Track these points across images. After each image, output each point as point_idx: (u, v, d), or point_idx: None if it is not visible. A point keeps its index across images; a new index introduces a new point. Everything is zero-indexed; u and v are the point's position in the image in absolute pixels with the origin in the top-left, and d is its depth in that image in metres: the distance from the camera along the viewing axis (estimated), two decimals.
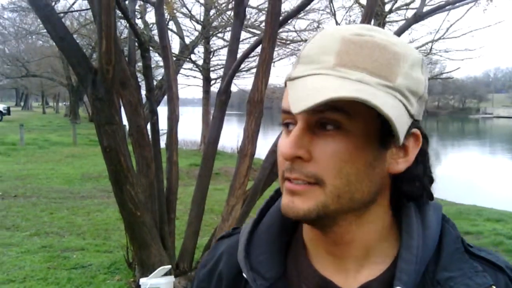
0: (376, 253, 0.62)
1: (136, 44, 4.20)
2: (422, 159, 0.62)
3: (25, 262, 4.75)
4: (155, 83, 10.58)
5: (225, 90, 6.06)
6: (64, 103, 57.22)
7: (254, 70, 15.88)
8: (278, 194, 0.70)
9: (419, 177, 0.62)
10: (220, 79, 16.98)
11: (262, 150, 5.36)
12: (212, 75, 17.69)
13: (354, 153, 0.55)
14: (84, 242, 5.51)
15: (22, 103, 60.86)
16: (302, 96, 0.52)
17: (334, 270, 0.63)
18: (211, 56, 16.96)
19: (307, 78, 0.55)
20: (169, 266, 3.79)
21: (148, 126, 4.46)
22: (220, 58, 18.32)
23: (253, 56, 11.42)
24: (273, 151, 5.04)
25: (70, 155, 14.21)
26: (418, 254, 0.59)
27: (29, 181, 9.44)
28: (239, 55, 6.58)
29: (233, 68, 6.06)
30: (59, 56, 26.66)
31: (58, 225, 6.26)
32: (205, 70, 16.80)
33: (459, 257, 0.61)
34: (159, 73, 16.55)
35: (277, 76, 36.33)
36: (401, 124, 0.54)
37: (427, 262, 0.60)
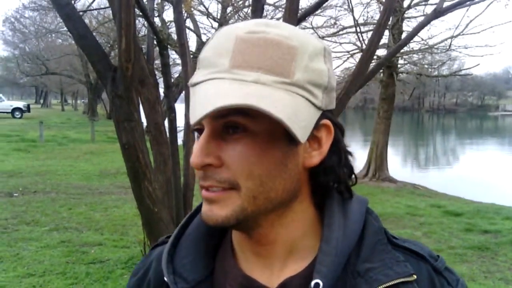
0: (300, 249, 0.62)
1: (155, 42, 4.23)
2: (336, 149, 0.62)
3: (45, 256, 4.84)
4: (172, 80, 10.65)
5: None
6: (83, 100, 58.00)
7: None
8: None
9: (333, 168, 0.61)
10: None
11: None
12: None
13: (262, 154, 0.55)
14: (102, 238, 5.59)
15: (41, 101, 61.91)
16: (196, 107, 0.52)
17: (259, 269, 0.62)
18: None
19: (204, 83, 0.55)
20: None
21: (166, 123, 4.49)
22: None
23: None
24: None
25: (88, 152, 14.41)
26: (338, 246, 0.58)
27: (48, 177, 9.60)
28: None
29: None
30: (78, 54, 27.07)
31: (77, 220, 6.36)
32: None
33: (381, 248, 0.61)
34: (176, 71, 16.65)
35: None
36: (303, 118, 0.54)
37: (349, 254, 0.59)
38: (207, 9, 15.35)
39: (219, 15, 15.42)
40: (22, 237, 5.44)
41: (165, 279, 0.63)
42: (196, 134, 0.59)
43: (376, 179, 11.71)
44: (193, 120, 0.51)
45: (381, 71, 11.82)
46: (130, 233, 5.88)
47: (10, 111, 31.18)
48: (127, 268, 4.55)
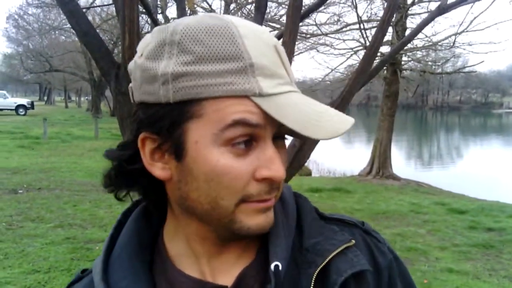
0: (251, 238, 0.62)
1: None
2: None
3: (50, 253, 4.86)
4: None
5: None
6: (86, 97, 58.12)
7: None
8: (126, 217, 0.67)
9: None
10: None
11: None
12: None
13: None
14: (106, 234, 5.54)
15: (45, 98, 62.11)
16: (318, 120, 0.54)
17: (211, 270, 0.61)
18: None
19: (288, 95, 0.55)
20: None
21: None
22: None
23: None
24: (293, 145, 5.03)
25: (92, 149, 14.44)
26: (284, 228, 0.62)
27: (52, 174, 9.63)
28: None
29: None
30: (81, 51, 27.11)
31: (81, 217, 6.38)
32: None
33: (317, 224, 0.65)
34: None
35: (296, 70, 36.19)
36: None
37: (293, 235, 0.63)
38: (210, 5, 15.32)
39: (222, 11, 15.39)
40: (27, 233, 5.46)
41: None
42: (237, 147, 0.53)
43: (379, 176, 11.70)
44: (328, 135, 0.53)
45: (384, 68, 11.79)
46: None
47: (14, 108, 31.31)
48: None
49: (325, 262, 0.59)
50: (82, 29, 2.92)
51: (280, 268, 0.57)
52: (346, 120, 0.55)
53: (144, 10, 4.37)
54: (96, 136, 17.95)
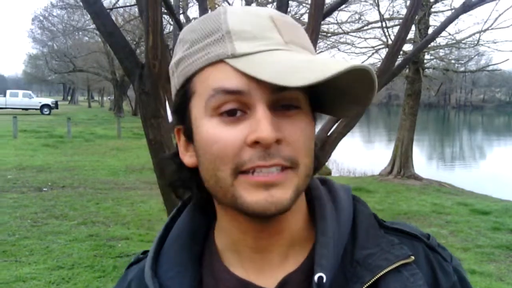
0: (299, 241, 0.60)
1: None
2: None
3: (73, 249, 4.96)
4: None
5: None
6: (109, 97, 59.00)
7: None
8: (184, 205, 0.66)
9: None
10: None
11: None
12: None
13: (312, 130, 0.55)
14: (129, 232, 5.69)
15: (69, 97, 63.31)
16: (300, 67, 0.48)
17: (254, 270, 0.59)
18: None
19: (270, 53, 0.51)
20: None
21: None
22: None
23: None
24: (314, 145, 5.02)
25: (114, 147, 14.67)
26: (335, 237, 0.57)
27: (76, 172, 9.82)
28: None
29: None
30: (104, 51, 27.55)
31: (104, 215, 6.49)
32: None
33: (375, 233, 0.60)
34: None
35: None
36: None
37: (345, 244, 0.58)
38: (230, 5, 15.38)
39: None
40: (52, 230, 5.59)
41: None
42: (222, 117, 0.52)
43: (401, 176, 11.55)
44: (316, 78, 0.45)
45: (407, 66, 11.63)
46: (155, 228, 5.97)
47: (39, 107, 32.02)
48: None
49: (373, 280, 0.55)
50: (107, 30, 2.97)
51: (324, 280, 0.54)
52: (340, 62, 0.47)
53: (166, 11, 4.42)
54: (119, 135, 18.21)
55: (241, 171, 0.51)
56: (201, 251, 0.63)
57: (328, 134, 5.04)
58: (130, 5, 11.59)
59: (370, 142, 25.72)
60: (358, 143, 23.12)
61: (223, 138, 0.51)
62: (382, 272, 0.55)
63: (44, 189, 7.99)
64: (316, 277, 0.54)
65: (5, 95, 31.80)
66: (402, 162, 11.80)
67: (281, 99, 0.52)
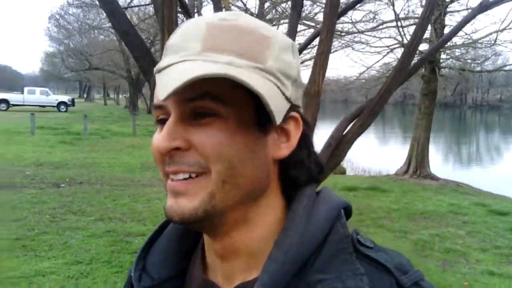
0: (262, 252, 0.57)
1: None
2: (305, 143, 0.61)
3: (91, 245, 5.04)
4: None
5: None
6: (124, 95, 59.50)
7: (307, 63, 15.72)
8: None
9: (303, 161, 0.60)
10: None
11: (316, 145, 5.27)
12: None
13: (233, 137, 0.53)
14: (145, 228, 5.76)
15: (85, 95, 64.05)
16: (168, 82, 0.49)
17: (223, 274, 0.60)
18: None
19: (174, 66, 0.52)
20: None
21: None
22: None
23: (307, 49, 11.32)
24: (329, 144, 5.01)
25: (130, 145, 14.81)
26: (289, 252, 0.54)
27: (93, 169, 9.95)
28: None
29: None
30: (120, 50, 27.82)
31: (121, 211, 6.57)
32: None
33: (343, 258, 0.54)
34: None
35: (331, 68, 35.84)
36: (275, 103, 0.53)
37: (303, 262, 0.54)
38: (245, 4, 15.39)
39: (257, 10, 15.41)
40: (70, 226, 5.68)
41: (131, 274, 0.64)
42: (158, 126, 0.56)
43: (417, 176, 11.46)
44: (163, 94, 0.47)
45: (423, 66, 11.52)
46: None
47: (55, 105, 32.42)
48: None
49: None
50: (122, 28, 3.02)
51: None
52: (181, 77, 0.48)
53: (181, 10, 4.46)
54: (134, 133, 18.38)
55: (166, 174, 0.56)
56: (193, 245, 0.66)
57: (344, 133, 5.04)
58: (145, 4, 11.67)
59: (385, 142, 25.52)
60: (373, 142, 22.97)
61: (154, 144, 0.54)
62: None
63: (62, 185, 8.12)
64: None
65: (22, 92, 32.27)
66: (418, 161, 11.70)
67: (197, 108, 0.53)
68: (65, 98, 35.24)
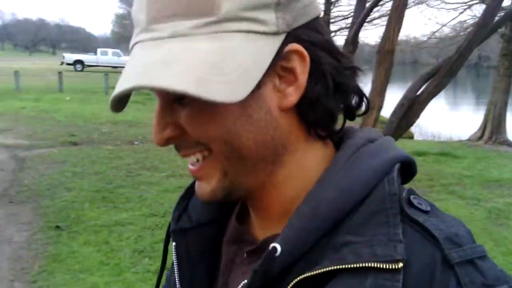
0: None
1: None
2: (319, 75, 0.49)
3: (164, 199, 5.31)
4: None
5: (353, 40, 5.90)
6: None
7: (376, 22, 15.00)
8: None
9: (319, 99, 0.49)
10: (341, 31, 16.54)
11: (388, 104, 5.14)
12: (332, 27, 17.23)
13: (215, 111, 0.47)
14: None
15: None
16: (117, 85, 0.45)
17: (258, 224, 0.57)
18: (331, 7, 16.48)
19: (132, 53, 0.48)
20: None
21: None
22: (340, 9, 17.71)
23: (381, 5, 10.82)
24: (401, 104, 4.84)
25: None
26: (321, 208, 0.47)
27: None
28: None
29: (362, 16, 5.83)
30: None
31: None
32: (325, 22, 16.48)
33: (382, 220, 0.45)
34: None
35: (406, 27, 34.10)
36: (235, 67, 0.44)
37: (335, 219, 0.47)
38: None
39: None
40: (144, 181, 6.00)
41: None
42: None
43: (492, 142, 10.83)
44: (110, 103, 0.46)
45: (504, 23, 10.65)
46: None
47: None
48: None
49: (313, 273, 0.45)
50: None
51: (278, 252, 0.47)
52: (120, 86, 0.44)
53: None
54: None
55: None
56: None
57: (418, 93, 4.83)
58: None
59: (456, 106, 24.22)
60: (443, 108, 21.87)
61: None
62: (328, 268, 0.44)
63: (135, 142, 8.55)
64: (270, 246, 0.47)
65: (96, 54, 33.79)
66: (494, 126, 11.03)
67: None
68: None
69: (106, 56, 33.22)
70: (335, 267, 0.44)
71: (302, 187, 0.51)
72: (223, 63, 0.43)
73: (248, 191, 0.52)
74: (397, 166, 0.50)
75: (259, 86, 0.46)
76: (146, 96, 16.80)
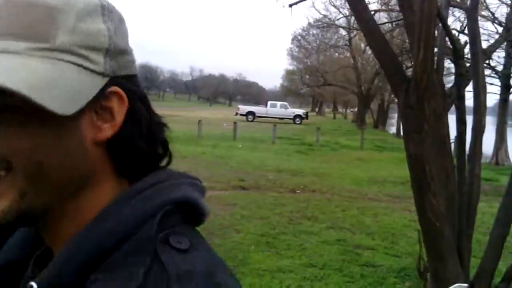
0: None
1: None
2: (135, 119, 0.53)
3: (324, 251, 5.32)
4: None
5: None
6: (351, 109, 60.99)
7: None
8: None
9: (131, 139, 0.53)
10: None
11: None
12: None
13: (25, 129, 0.47)
14: (373, 242, 5.76)
15: (316, 109, 68.24)
16: None
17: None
18: None
19: None
20: (466, 285, 3.58)
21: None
22: None
23: None
24: None
25: (357, 158, 15.08)
26: (80, 245, 0.48)
27: (324, 178, 10.50)
28: None
29: None
30: (353, 66, 28.67)
31: (350, 222, 6.74)
32: (505, 76, 15.10)
33: (135, 260, 0.47)
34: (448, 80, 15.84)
35: None
36: (63, 89, 0.46)
37: (93, 259, 0.47)
38: (493, 14, 13.96)
39: (505, 19, 13.76)
40: (305, 230, 6.13)
41: None
42: None
43: None
44: None
45: None
46: (400, 242, 5.88)
47: (292, 117, 35.57)
48: (399, 278, 4.57)
49: None
50: (378, 46, 3.12)
51: None
52: None
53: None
54: (362, 147, 18.61)
55: None
56: None
57: None
58: (397, 20, 11.67)
59: None
60: None
61: None
62: None
63: (297, 191, 8.83)
64: (28, 285, 0.49)
65: (266, 106, 36.50)
66: None
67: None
68: (300, 111, 38.28)
69: (274, 108, 35.64)
70: None
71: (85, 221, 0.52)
72: (54, 81, 0.46)
73: (43, 218, 0.52)
74: (167, 208, 0.51)
75: (79, 114, 0.49)
76: (309, 147, 17.37)
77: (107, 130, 0.52)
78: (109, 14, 0.53)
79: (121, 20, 0.55)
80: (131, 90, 0.54)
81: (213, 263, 0.51)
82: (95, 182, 0.53)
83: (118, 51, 0.53)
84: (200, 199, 0.56)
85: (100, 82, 0.51)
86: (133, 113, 0.53)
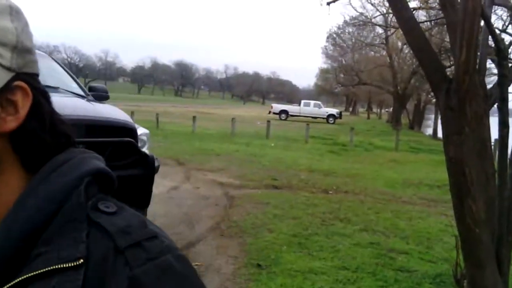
0: None
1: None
2: (38, 113, 0.56)
3: (356, 253, 5.23)
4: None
5: None
6: (386, 109, 59.89)
7: None
8: None
9: (35, 132, 0.56)
10: None
11: None
12: None
13: None
14: (408, 247, 5.63)
15: (350, 109, 67.41)
16: None
17: None
18: None
19: None
20: None
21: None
22: None
23: None
24: None
25: (391, 159, 14.78)
26: (12, 229, 0.51)
27: (357, 179, 10.35)
28: None
29: None
30: (389, 65, 28.13)
31: (383, 225, 6.61)
32: None
33: (71, 227, 0.51)
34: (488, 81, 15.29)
35: None
36: None
37: (27, 238, 0.50)
38: None
39: None
40: (337, 231, 6.04)
41: None
42: None
43: None
44: None
45: None
46: (435, 247, 5.72)
47: (325, 117, 35.29)
48: (435, 284, 4.44)
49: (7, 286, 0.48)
50: (418, 44, 3.04)
51: None
52: None
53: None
54: (396, 148, 18.23)
55: None
56: None
57: None
58: (437, 19, 11.36)
59: None
60: None
61: None
62: (18, 279, 0.47)
63: (330, 191, 8.74)
64: None
65: (299, 105, 36.35)
66: None
67: None
68: (334, 111, 37.94)
69: (308, 107, 35.47)
70: (25, 276, 0.47)
71: (7, 209, 0.54)
72: None
73: None
74: (86, 179, 0.55)
75: None
76: (342, 147, 17.17)
77: (11, 122, 0.54)
78: (16, 15, 0.57)
79: (26, 23, 0.59)
80: (34, 86, 0.57)
81: (141, 218, 0.56)
82: (2, 172, 0.56)
83: (25, 50, 0.57)
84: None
85: (6, 76, 0.54)
86: (37, 107, 0.57)
